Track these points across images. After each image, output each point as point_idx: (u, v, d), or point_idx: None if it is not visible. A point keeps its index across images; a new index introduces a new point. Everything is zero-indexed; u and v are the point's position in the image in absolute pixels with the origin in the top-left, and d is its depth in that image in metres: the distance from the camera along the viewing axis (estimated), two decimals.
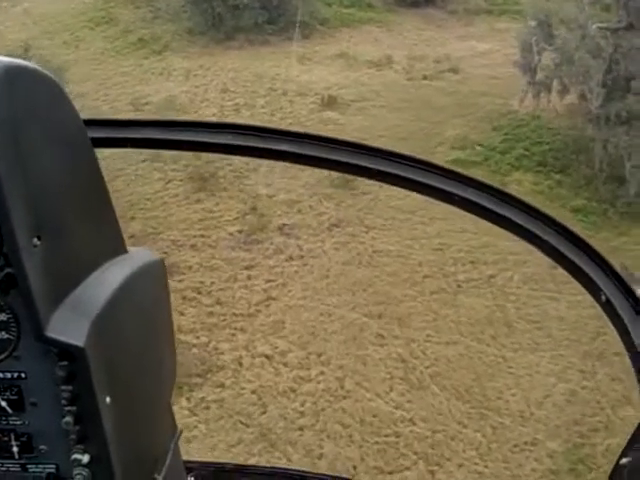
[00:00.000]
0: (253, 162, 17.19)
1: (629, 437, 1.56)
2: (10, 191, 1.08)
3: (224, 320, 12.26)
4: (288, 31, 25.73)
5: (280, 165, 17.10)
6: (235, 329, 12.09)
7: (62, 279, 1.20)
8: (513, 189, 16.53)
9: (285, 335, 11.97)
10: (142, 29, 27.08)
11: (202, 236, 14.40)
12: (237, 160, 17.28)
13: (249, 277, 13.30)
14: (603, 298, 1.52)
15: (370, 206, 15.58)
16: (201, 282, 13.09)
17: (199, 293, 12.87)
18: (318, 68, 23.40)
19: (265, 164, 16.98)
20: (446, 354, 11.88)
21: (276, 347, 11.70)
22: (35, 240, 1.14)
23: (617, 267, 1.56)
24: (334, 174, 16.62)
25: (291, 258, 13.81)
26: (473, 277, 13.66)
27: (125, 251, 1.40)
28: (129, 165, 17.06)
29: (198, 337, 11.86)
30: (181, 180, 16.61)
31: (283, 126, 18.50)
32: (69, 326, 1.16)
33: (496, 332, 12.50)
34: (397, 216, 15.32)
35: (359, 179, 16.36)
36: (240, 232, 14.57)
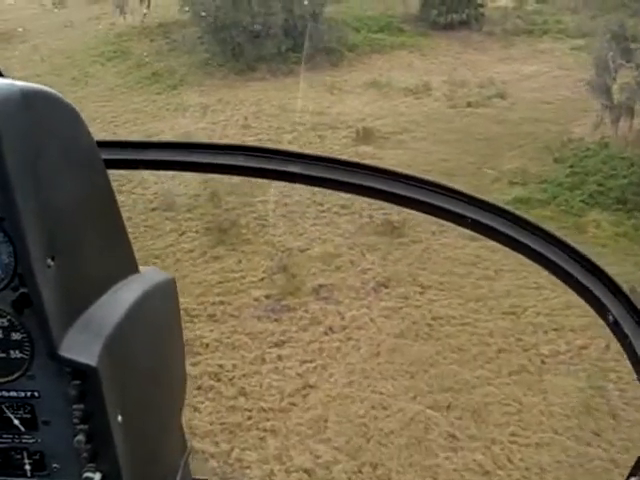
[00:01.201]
0: (280, 208, 14.54)
1: (637, 458, 1.44)
2: (25, 212, 1.10)
3: (250, 418, 9.44)
4: (315, 59, 23.31)
5: (312, 211, 14.42)
6: (264, 430, 9.26)
7: (75, 299, 1.20)
8: (591, 233, 13.66)
9: (329, 438, 9.12)
10: (156, 62, 24.80)
11: (222, 303, 11.68)
12: (261, 206, 14.64)
13: (280, 357, 10.52)
14: (611, 319, 1.48)
15: (423, 258, 12.79)
16: (220, 366, 10.30)
17: (218, 380, 10.07)
18: (349, 98, 20.81)
19: (295, 210, 14.33)
20: (539, 461, 8.95)
21: (318, 456, 8.85)
22: (49, 261, 1.14)
23: (625, 288, 1.49)
24: (374, 218, 13.91)
25: (331, 330, 11.03)
26: (560, 349, 10.74)
27: (137, 271, 1.40)
28: (137, 214, 14.48)
29: (217, 443, 9.05)
30: (196, 232, 13.96)
31: None
32: (82, 346, 1.17)
33: (598, 425, 9.55)
34: (456, 270, 12.51)
35: (406, 225, 13.60)
36: (267, 297, 11.82)
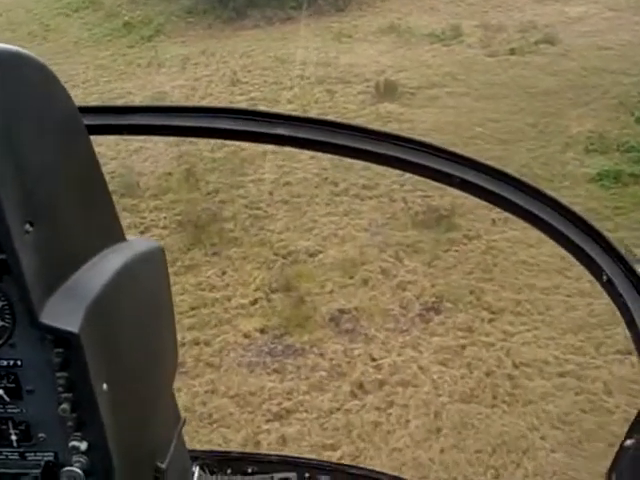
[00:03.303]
0: (280, 190, 10.40)
1: (633, 419, 1.45)
2: (1, 176, 1.04)
3: None
4: (317, 3, 18.91)
5: (324, 193, 10.27)
6: None
7: (56, 266, 1.15)
8: None
9: None
10: (130, 12, 20.40)
11: (195, 343, 7.58)
12: (254, 188, 10.50)
13: (283, 440, 6.46)
14: (604, 278, 1.46)
15: (486, 264, 8.68)
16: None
17: None
18: (362, 47, 16.45)
19: (301, 193, 10.19)
20: None
21: None
22: (27, 226, 1.09)
23: (620, 248, 1.40)
24: (410, 203, 9.78)
25: (361, 388, 6.97)
26: None
27: (124, 239, 1.35)
28: None
29: None
30: (164, 227, 9.81)
31: None
32: (64, 313, 1.12)
33: None
34: (536, 281, 8.40)
35: (456, 212, 9.47)
36: (263, 331, 7.73)
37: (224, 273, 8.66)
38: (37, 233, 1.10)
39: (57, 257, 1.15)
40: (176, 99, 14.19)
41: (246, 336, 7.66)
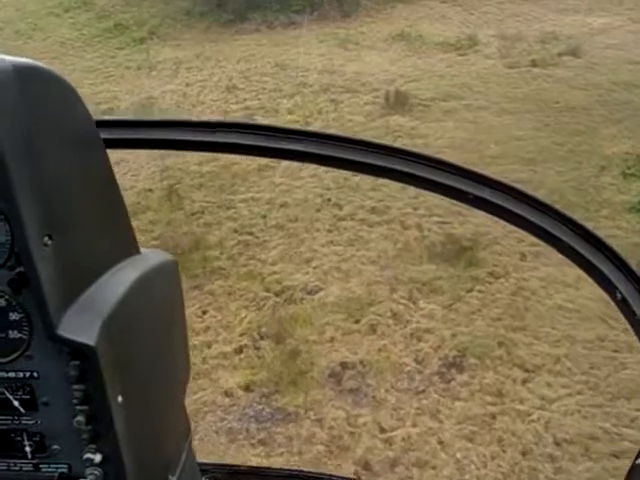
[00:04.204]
0: (275, 212, 9.03)
1: None
2: (21, 190, 1.06)
3: None
4: (322, 7, 17.61)
5: (326, 217, 8.89)
6: None
7: (74, 278, 1.16)
8: None
9: None
10: (123, 13, 19.12)
11: None
12: (245, 209, 9.12)
13: None
14: (619, 296, 1.40)
15: (516, 308, 7.27)
16: None
17: None
18: (370, 54, 15.11)
19: (299, 216, 8.81)
20: None
21: None
22: (46, 239, 1.10)
23: (633, 265, 1.37)
24: (426, 231, 8.41)
25: (368, 469, 5.55)
26: None
27: (138, 252, 1.34)
28: None
29: None
30: None
31: None
32: (80, 325, 1.13)
33: None
34: (577, 332, 6.99)
35: (480, 244, 8.07)
36: (248, 389, 6.29)
37: (205, 312, 7.25)
38: (55, 246, 1.11)
39: (74, 270, 1.15)
40: (165, 105, 12.86)
41: (227, 394, 6.23)
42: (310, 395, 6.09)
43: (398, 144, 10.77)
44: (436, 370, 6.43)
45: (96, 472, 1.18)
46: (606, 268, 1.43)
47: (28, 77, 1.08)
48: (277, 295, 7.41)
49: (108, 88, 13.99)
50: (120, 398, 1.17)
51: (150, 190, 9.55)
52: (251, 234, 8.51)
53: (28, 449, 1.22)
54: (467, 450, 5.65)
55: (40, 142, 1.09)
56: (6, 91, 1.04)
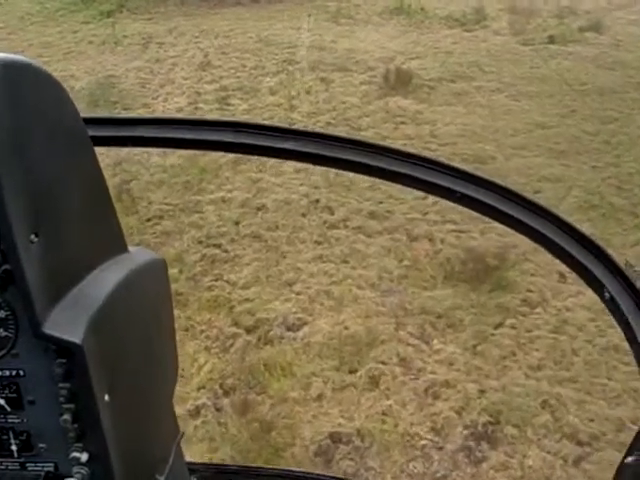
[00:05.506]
0: (250, 217, 7.22)
1: (634, 435, 1.31)
2: (7, 187, 1.01)
3: None
4: None
5: (314, 223, 7.07)
6: None
7: (60, 276, 1.13)
8: None
9: None
10: None
11: None
12: (213, 213, 7.30)
13: None
14: (607, 295, 1.36)
15: (561, 351, 5.49)
16: None
17: None
18: (365, 30, 13.23)
19: (281, 223, 7.01)
20: None
21: None
22: (33, 237, 1.07)
23: (621, 264, 1.33)
24: (439, 243, 6.60)
25: None
26: None
27: (126, 250, 1.31)
28: None
29: None
30: None
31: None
32: (67, 323, 1.09)
33: None
34: (638, 383, 5.28)
35: (508, 262, 6.28)
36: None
37: None
38: (42, 244, 1.08)
39: (61, 268, 1.13)
40: (128, 84, 10.98)
41: None
42: None
43: (401, 131, 8.97)
44: (460, 444, 4.68)
45: (83, 471, 1.16)
46: (594, 267, 1.37)
47: (14, 73, 1.04)
48: (248, 332, 5.63)
49: (65, 66, 12.07)
50: (107, 397, 1.14)
51: None
52: (219, 246, 6.71)
53: (14, 448, 1.19)
54: None
55: (27, 139, 1.06)
56: None
